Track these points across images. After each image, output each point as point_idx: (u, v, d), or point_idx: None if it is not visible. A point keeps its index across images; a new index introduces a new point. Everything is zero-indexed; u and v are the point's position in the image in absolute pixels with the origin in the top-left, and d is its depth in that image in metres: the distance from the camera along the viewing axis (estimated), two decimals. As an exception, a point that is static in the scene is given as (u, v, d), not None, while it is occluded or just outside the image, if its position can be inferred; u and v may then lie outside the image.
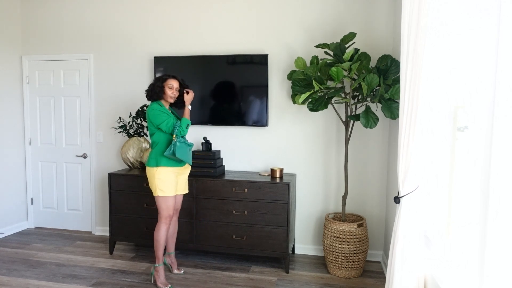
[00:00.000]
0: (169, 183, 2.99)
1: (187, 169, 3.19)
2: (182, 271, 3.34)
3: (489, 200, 1.43)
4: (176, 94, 3.06)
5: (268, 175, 3.63)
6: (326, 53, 3.32)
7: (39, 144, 4.53)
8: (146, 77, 4.12)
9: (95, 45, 4.25)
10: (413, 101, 2.10)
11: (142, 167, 3.97)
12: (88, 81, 4.29)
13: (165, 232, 3.05)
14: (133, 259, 3.64)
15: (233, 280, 3.21)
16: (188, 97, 3.08)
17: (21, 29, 4.46)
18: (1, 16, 4.22)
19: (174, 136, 2.94)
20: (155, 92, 3.01)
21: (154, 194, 3.02)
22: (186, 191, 3.26)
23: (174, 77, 3.06)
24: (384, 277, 3.28)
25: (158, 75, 3.96)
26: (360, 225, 3.23)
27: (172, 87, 3.02)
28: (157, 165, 2.95)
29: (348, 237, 3.20)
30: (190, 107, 3.08)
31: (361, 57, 3.14)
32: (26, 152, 4.55)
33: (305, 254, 3.82)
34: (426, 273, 2.22)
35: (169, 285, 3.05)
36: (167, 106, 3.09)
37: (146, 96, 3.08)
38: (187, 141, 3.03)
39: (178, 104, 3.17)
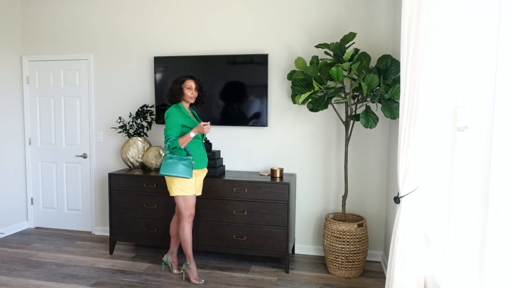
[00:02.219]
0: (189, 183, 3.02)
1: (204, 171, 3.24)
2: (182, 271, 3.33)
3: (489, 200, 1.43)
4: (196, 93, 3.08)
5: (268, 175, 3.63)
6: (326, 53, 3.32)
7: (39, 144, 4.53)
8: (146, 77, 4.12)
9: (95, 45, 4.25)
10: (413, 101, 2.10)
11: (142, 167, 3.97)
12: (88, 81, 4.29)
13: (190, 230, 3.11)
14: (133, 259, 3.64)
15: (233, 280, 3.21)
16: (199, 129, 2.96)
17: (21, 29, 4.46)
18: (1, 16, 4.22)
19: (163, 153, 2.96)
20: (173, 95, 3.04)
21: (173, 194, 3.04)
22: (200, 193, 3.29)
23: (191, 77, 3.07)
24: (384, 277, 3.28)
25: (158, 75, 3.97)
26: (360, 225, 3.23)
27: (191, 87, 3.04)
28: None
29: (348, 237, 3.20)
30: (192, 135, 2.95)
31: (361, 57, 3.14)
32: (26, 152, 4.55)
33: (305, 254, 3.82)
34: (426, 273, 2.22)
35: (203, 280, 3.13)
36: (187, 107, 3.12)
37: (168, 101, 3.10)
38: (185, 155, 2.97)
39: (198, 103, 3.19)
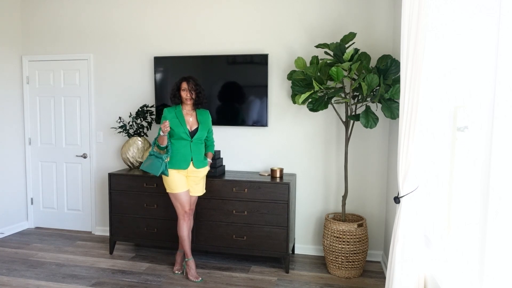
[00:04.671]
0: (175, 182, 3.10)
1: (195, 172, 3.16)
2: (181, 271, 3.33)
3: (489, 200, 1.43)
4: (190, 95, 3.09)
5: (268, 175, 3.62)
6: (326, 53, 3.32)
7: (39, 144, 4.53)
8: (146, 77, 4.12)
9: (95, 45, 4.25)
10: (413, 101, 2.10)
11: (142, 167, 3.98)
12: (88, 81, 4.29)
13: (185, 227, 3.18)
14: (133, 259, 3.64)
15: (233, 280, 3.21)
16: (161, 127, 2.97)
17: (21, 29, 4.46)
18: (1, 16, 4.22)
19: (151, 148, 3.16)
20: (172, 97, 3.15)
21: (167, 191, 3.21)
22: (196, 194, 3.25)
23: (184, 79, 3.11)
24: (384, 277, 3.28)
25: (158, 75, 3.97)
26: (360, 225, 3.23)
27: (185, 89, 3.09)
28: None
29: (348, 237, 3.20)
30: (162, 134, 2.98)
31: (361, 57, 3.14)
32: (26, 152, 4.55)
33: (305, 254, 3.82)
34: (426, 273, 2.22)
35: (200, 278, 3.18)
36: (187, 108, 3.15)
37: (171, 103, 3.20)
38: (164, 153, 3.09)
39: (196, 104, 3.16)
